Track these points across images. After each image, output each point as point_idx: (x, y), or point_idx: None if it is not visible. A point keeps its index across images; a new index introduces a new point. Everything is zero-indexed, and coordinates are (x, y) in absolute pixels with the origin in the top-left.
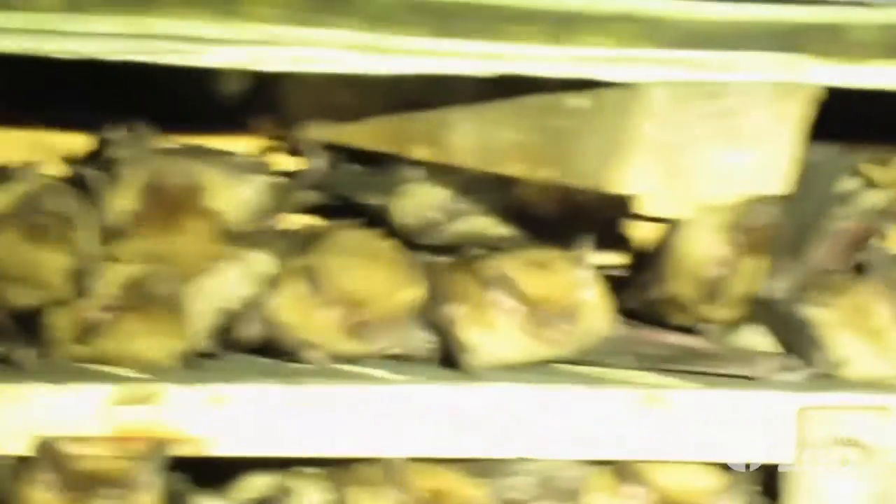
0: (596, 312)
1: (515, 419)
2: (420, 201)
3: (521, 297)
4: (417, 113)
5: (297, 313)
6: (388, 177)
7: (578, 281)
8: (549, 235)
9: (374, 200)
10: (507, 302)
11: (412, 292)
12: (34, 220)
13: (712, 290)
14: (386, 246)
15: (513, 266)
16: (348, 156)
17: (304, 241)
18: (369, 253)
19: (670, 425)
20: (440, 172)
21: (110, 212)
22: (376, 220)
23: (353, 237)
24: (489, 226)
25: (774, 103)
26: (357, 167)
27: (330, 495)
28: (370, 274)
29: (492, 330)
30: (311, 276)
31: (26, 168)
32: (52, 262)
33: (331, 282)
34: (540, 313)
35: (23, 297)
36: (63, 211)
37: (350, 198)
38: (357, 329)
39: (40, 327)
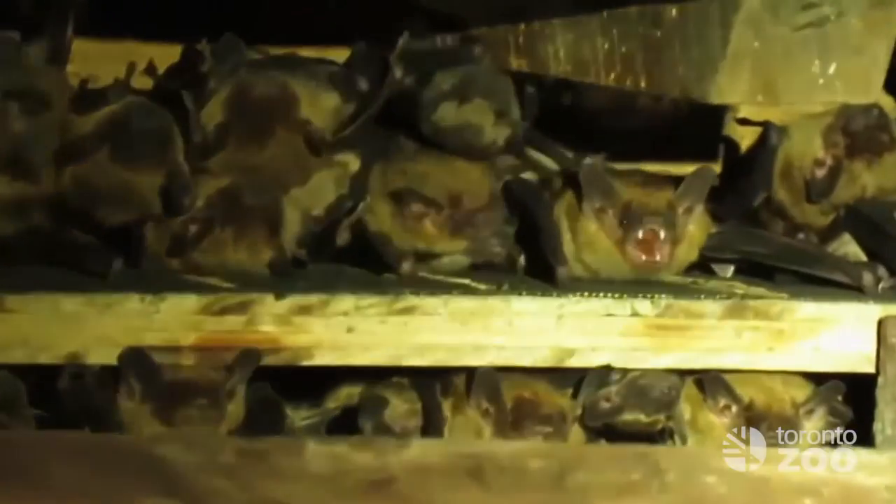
0: (694, 238)
1: (605, 329)
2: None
3: (623, 216)
4: (513, 24)
5: (389, 218)
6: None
7: (683, 205)
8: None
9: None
10: (609, 220)
11: (496, 183)
12: (126, 141)
13: (815, 193)
14: None
15: (618, 184)
16: None
17: (387, 144)
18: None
19: (757, 336)
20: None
21: (201, 125)
22: None
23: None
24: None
25: (869, 13)
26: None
27: (416, 404)
28: (456, 169)
29: (592, 246)
30: (400, 181)
31: (116, 86)
32: (144, 181)
33: (429, 188)
34: (643, 230)
35: (116, 215)
36: (153, 129)
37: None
38: (462, 226)
39: (133, 240)
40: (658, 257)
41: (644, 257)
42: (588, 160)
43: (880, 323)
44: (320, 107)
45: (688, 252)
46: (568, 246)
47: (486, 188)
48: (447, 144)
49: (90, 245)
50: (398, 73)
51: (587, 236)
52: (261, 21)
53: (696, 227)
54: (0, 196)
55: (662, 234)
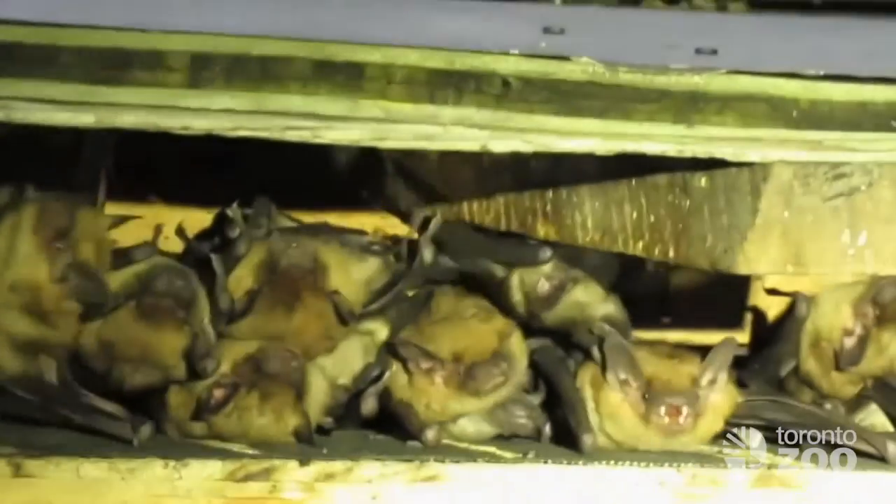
0: (719, 409)
1: (632, 499)
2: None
3: (646, 391)
4: (541, 191)
5: (409, 384)
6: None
7: (706, 378)
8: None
9: (497, 273)
10: (633, 393)
11: (507, 328)
12: (151, 302)
13: (844, 363)
14: (475, 301)
15: (642, 356)
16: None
17: (413, 311)
18: (463, 310)
19: None
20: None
21: (229, 289)
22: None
23: (448, 299)
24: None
25: None
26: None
27: None
28: (467, 327)
29: (615, 417)
30: (416, 346)
31: (143, 246)
32: (167, 343)
33: (434, 345)
34: (665, 407)
35: (139, 377)
36: (179, 291)
37: (471, 271)
38: (465, 380)
39: (156, 404)
40: (682, 423)
41: (668, 421)
42: (612, 333)
43: None
44: (350, 277)
45: (712, 423)
46: (592, 416)
47: (491, 344)
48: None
49: (114, 410)
50: (428, 255)
51: (610, 407)
52: (290, 186)
53: (721, 398)
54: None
55: (685, 411)
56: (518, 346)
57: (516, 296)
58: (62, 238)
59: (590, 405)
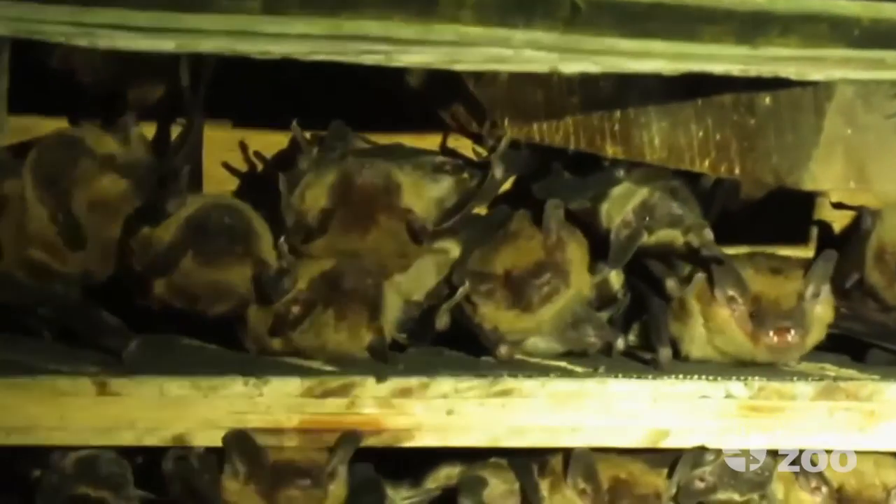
0: (823, 320)
1: (700, 411)
2: (630, 201)
3: (754, 310)
4: (609, 112)
5: (484, 305)
6: (594, 179)
7: (810, 291)
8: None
9: (581, 205)
10: (740, 310)
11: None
12: (207, 247)
13: None
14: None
15: (748, 274)
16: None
17: (486, 231)
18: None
19: (848, 416)
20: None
21: (293, 207)
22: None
23: (523, 222)
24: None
25: None
26: (558, 168)
27: (514, 485)
28: (517, 243)
29: (724, 332)
30: (473, 270)
31: (174, 198)
32: (237, 277)
33: (491, 266)
34: (773, 327)
35: (215, 308)
36: (231, 227)
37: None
38: (514, 295)
39: (237, 322)
40: (790, 341)
41: (776, 340)
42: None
43: None
44: (423, 196)
45: (817, 335)
46: (699, 330)
47: (536, 257)
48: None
49: (112, 323)
50: (498, 173)
51: (719, 323)
52: (364, 109)
53: (823, 309)
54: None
55: (793, 330)
56: (574, 257)
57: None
58: (54, 181)
59: (699, 320)
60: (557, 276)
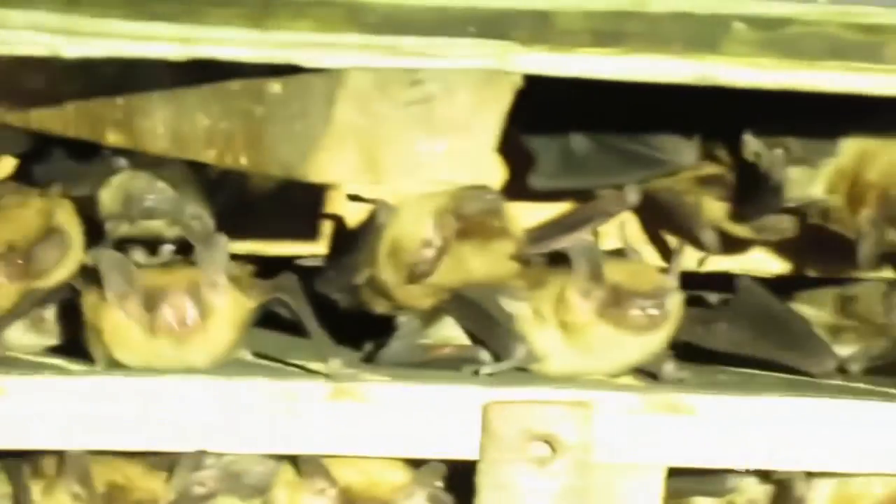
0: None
1: (199, 413)
2: (122, 190)
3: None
4: (111, 98)
5: None
6: (96, 166)
7: (209, 284)
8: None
9: (82, 191)
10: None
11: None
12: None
13: (418, 275)
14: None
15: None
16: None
17: None
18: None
19: (357, 419)
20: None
21: None
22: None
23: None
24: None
25: (477, 91)
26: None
27: (6, 488)
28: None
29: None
30: None
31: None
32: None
33: None
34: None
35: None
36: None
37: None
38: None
39: None
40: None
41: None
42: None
43: (484, 409)
44: None
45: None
46: None
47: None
48: None
49: None
50: None
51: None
52: None
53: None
54: None
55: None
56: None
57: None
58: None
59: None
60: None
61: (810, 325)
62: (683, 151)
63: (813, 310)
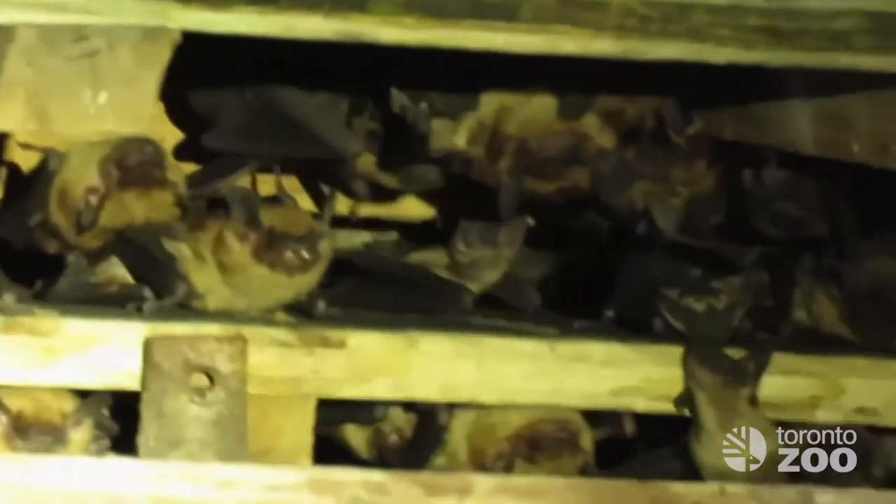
0: None
1: None
2: None
3: None
4: None
5: None
6: None
7: None
8: None
9: None
10: None
11: None
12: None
13: (85, 220)
14: None
15: None
16: None
17: None
18: None
19: (28, 351)
20: None
21: None
22: None
23: None
24: None
25: (139, 47)
26: None
27: None
28: None
29: None
30: None
31: None
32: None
33: None
34: None
35: None
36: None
37: None
38: None
39: None
40: None
41: None
42: None
43: (146, 343)
44: None
45: None
46: None
47: None
48: None
49: None
50: None
51: None
52: None
53: None
54: None
55: None
56: None
57: None
58: None
59: None
60: None
61: (433, 271)
62: (350, 142)
63: (433, 254)
